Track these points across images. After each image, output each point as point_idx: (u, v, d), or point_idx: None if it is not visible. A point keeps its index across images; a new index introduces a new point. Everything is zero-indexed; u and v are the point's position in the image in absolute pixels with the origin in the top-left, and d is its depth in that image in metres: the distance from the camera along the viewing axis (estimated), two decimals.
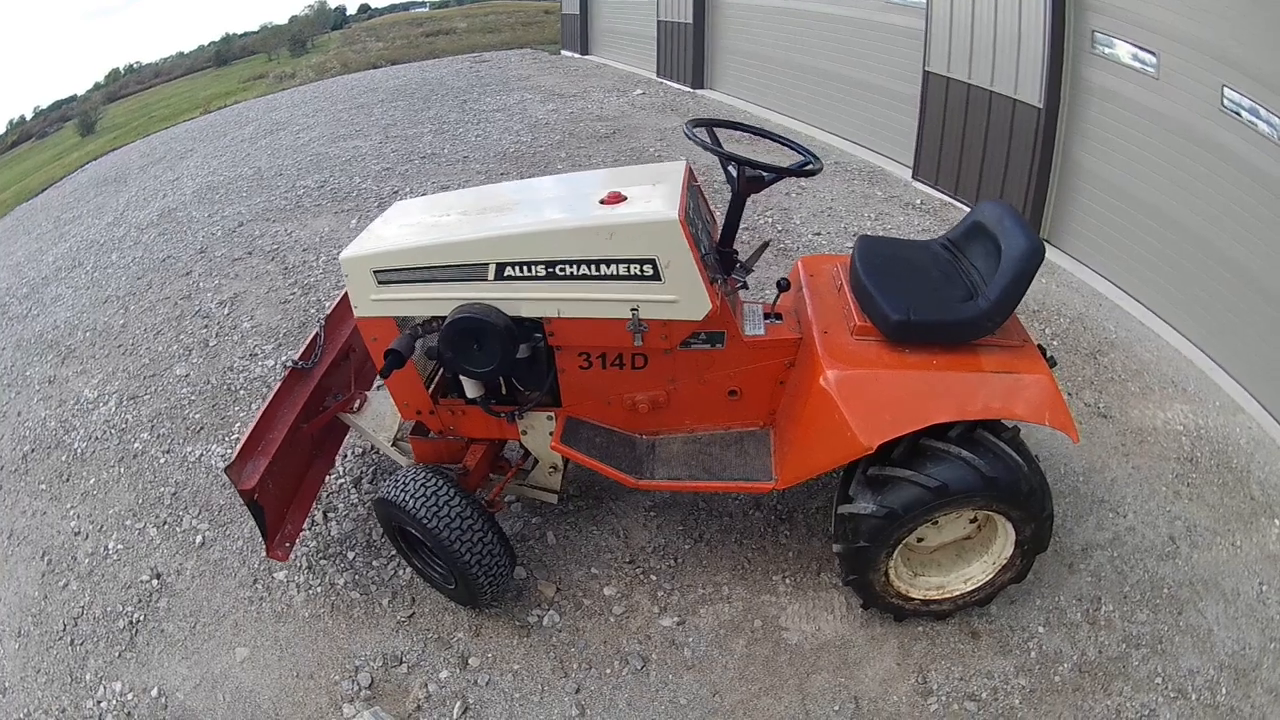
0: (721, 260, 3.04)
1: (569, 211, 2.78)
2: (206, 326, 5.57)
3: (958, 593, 3.54)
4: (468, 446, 3.26)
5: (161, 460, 4.19)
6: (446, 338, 2.62)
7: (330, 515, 3.86)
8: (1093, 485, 4.38)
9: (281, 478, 2.96)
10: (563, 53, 18.47)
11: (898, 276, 3.06)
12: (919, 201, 7.55)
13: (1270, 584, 4.02)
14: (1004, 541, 3.27)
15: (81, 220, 8.32)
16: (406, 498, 2.81)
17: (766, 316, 3.23)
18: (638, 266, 2.63)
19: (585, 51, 17.39)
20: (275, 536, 2.95)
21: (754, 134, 3.37)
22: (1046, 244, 6.18)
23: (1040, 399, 2.86)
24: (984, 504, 3.06)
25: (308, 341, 3.49)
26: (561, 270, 2.62)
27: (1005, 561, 3.37)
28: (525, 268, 2.62)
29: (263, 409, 3.04)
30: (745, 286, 3.28)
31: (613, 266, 2.63)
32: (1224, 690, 3.44)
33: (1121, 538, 4.16)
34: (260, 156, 7.40)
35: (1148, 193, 5.41)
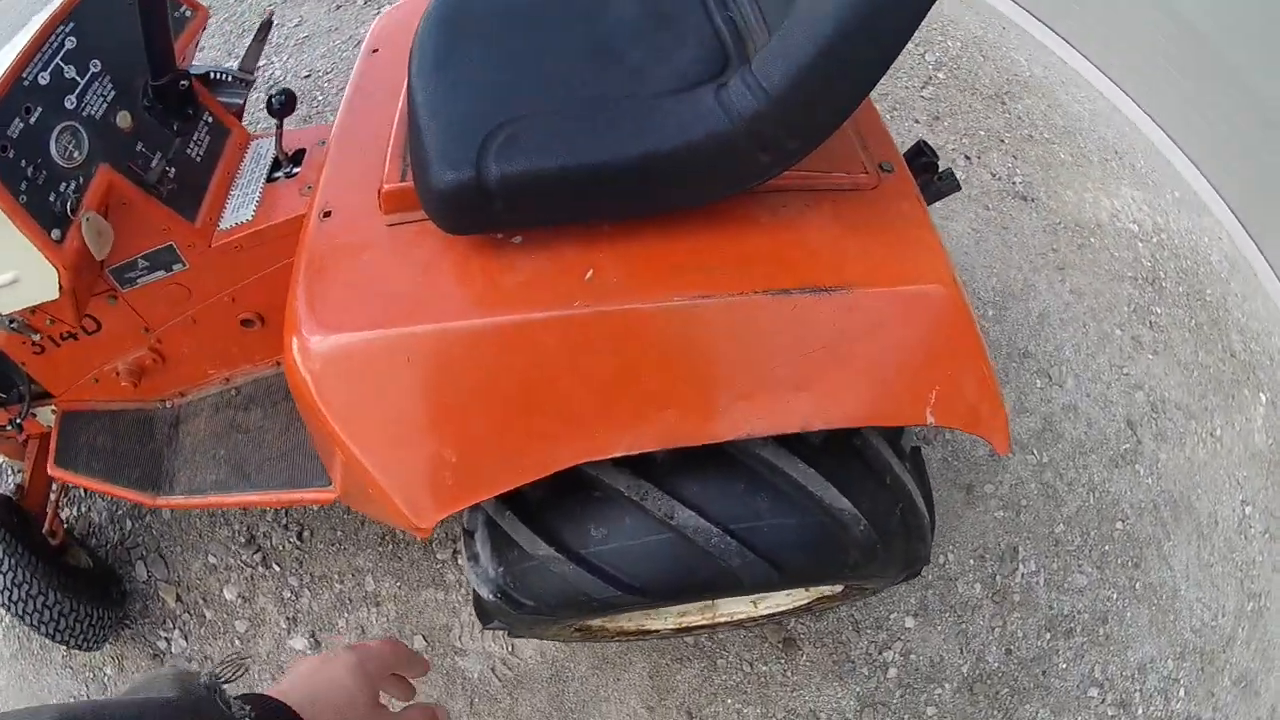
0: (165, 100, 1.41)
1: None
2: None
3: (742, 616, 1.64)
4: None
5: None
6: None
7: None
8: (1011, 324, 2.34)
9: None
10: None
11: (510, 40, 1.06)
12: None
13: (1255, 502, 2.15)
14: None
15: None
16: None
17: (276, 167, 1.49)
18: None
19: None
20: None
21: None
22: None
23: (920, 357, 1.00)
24: (754, 593, 1.30)
25: None
26: None
27: (831, 594, 1.55)
28: None
29: None
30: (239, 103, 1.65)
31: None
32: (1183, 692, 1.90)
33: (1056, 425, 2.17)
34: None
35: None
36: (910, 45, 2.91)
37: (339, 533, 1.96)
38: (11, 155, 1.15)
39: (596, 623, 1.53)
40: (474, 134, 0.94)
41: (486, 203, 0.94)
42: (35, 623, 1.74)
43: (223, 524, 2.02)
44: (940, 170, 1.41)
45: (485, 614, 1.35)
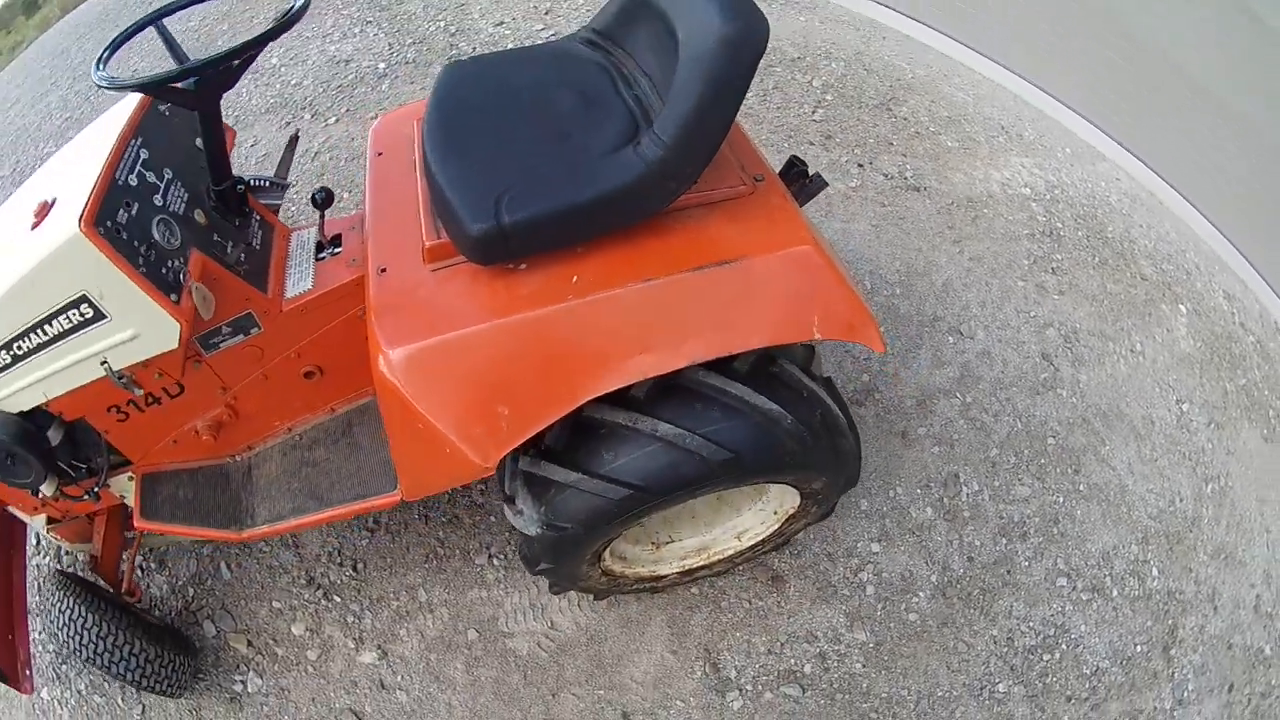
0: (224, 202, 1.77)
1: (2, 264, 1.57)
2: None
3: (731, 552, 2.03)
4: (93, 522, 2.17)
5: None
6: None
7: None
8: (918, 297, 2.74)
9: None
10: None
11: (493, 132, 1.60)
12: None
13: (1192, 399, 2.51)
14: (782, 491, 1.89)
15: None
16: (54, 629, 1.92)
17: (320, 249, 1.89)
18: (75, 312, 1.52)
19: None
20: (15, 671, 1.97)
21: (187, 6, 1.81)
22: None
23: (800, 295, 1.49)
24: (726, 488, 1.66)
25: None
26: (19, 349, 1.58)
27: (793, 510, 1.92)
28: None
29: None
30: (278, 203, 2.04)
31: (55, 323, 1.53)
32: (1155, 571, 2.17)
33: (973, 371, 2.55)
34: None
35: None
36: (798, 75, 3.41)
37: (388, 560, 2.31)
38: (125, 237, 1.46)
39: (617, 567, 1.91)
40: (488, 197, 1.41)
41: (505, 241, 1.41)
42: (125, 671, 1.96)
43: (281, 573, 2.34)
44: (810, 174, 1.88)
45: (532, 559, 1.76)
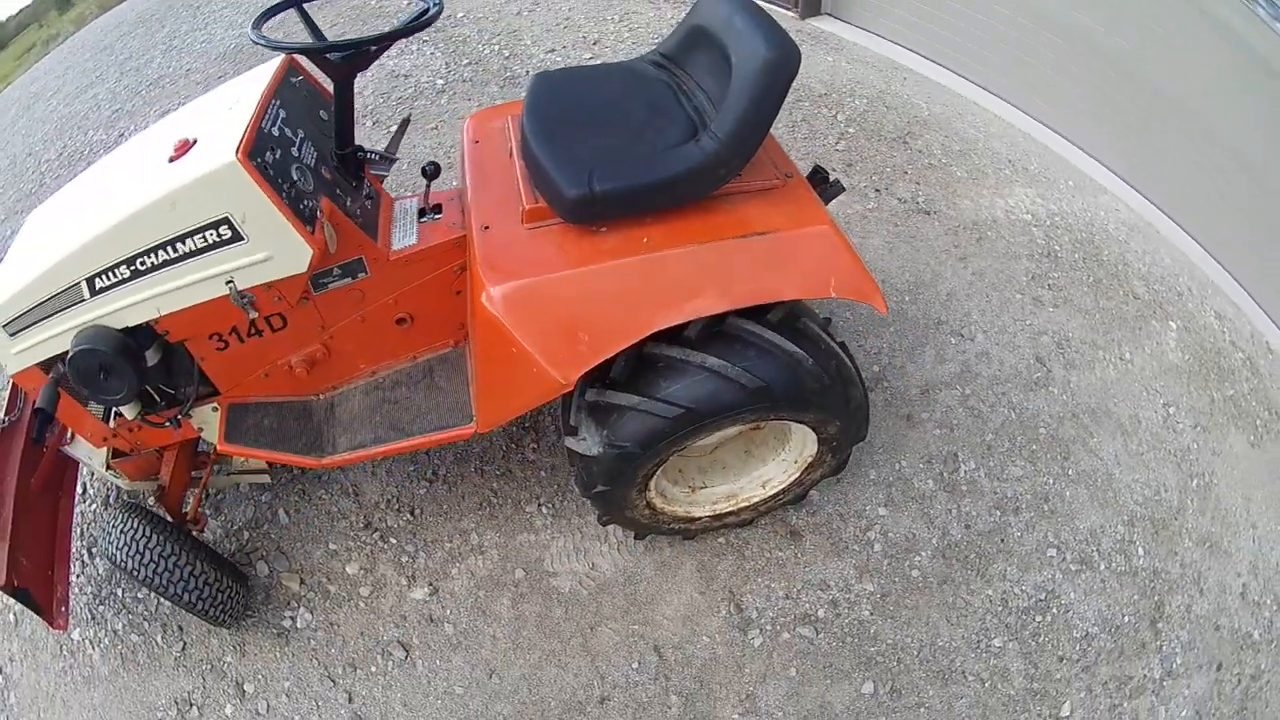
0: (344, 164, 2.09)
1: (133, 189, 1.82)
2: None
3: (756, 499, 2.32)
4: (162, 456, 2.36)
5: None
6: (73, 378, 1.86)
7: (93, 550, 2.69)
8: (924, 303, 3.05)
9: (34, 546, 2.19)
10: None
11: (582, 126, 1.99)
12: None
13: (1179, 404, 2.77)
14: (802, 438, 2.20)
15: None
16: (113, 550, 2.09)
17: (422, 214, 2.20)
18: (213, 232, 1.75)
19: None
20: (51, 607, 2.16)
21: None
22: (830, 18, 4.48)
23: (819, 263, 1.86)
24: (758, 417, 1.96)
25: (7, 394, 2.53)
26: (143, 264, 1.78)
27: (811, 459, 2.23)
28: (110, 274, 1.79)
29: None
30: (387, 171, 2.36)
31: (188, 242, 1.76)
32: (1141, 551, 2.41)
33: (972, 368, 2.84)
34: (16, 140, 5.38)
35: None
36: (824, 109, 3.83)
37: (445, 506, 2.58)
38: (271, 174, 1.73)
39: (658, 502, 2.18)
40: (582, 171, 1.77)
41: (593, 205, 1.77)
42: (182, 593, 2.09)
43: (340, 518, 2.58)
44: (830, 180, 2.25)
45: (589, 482, 2.03)
